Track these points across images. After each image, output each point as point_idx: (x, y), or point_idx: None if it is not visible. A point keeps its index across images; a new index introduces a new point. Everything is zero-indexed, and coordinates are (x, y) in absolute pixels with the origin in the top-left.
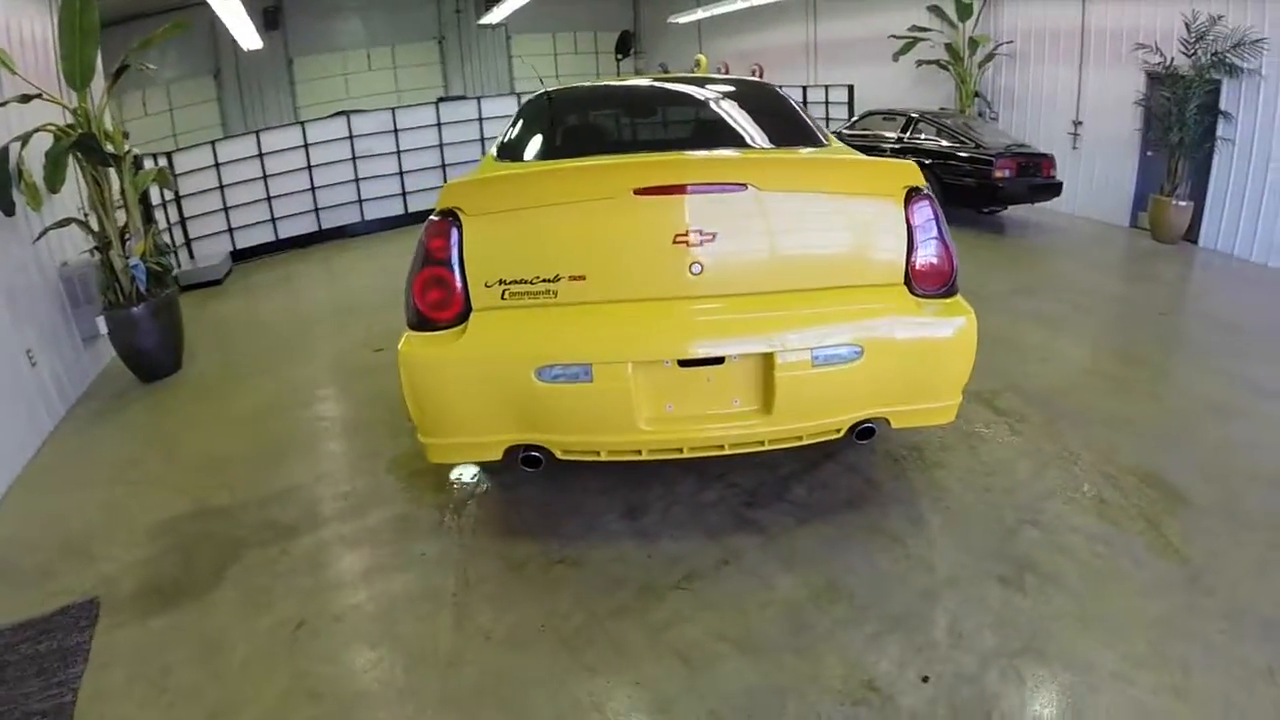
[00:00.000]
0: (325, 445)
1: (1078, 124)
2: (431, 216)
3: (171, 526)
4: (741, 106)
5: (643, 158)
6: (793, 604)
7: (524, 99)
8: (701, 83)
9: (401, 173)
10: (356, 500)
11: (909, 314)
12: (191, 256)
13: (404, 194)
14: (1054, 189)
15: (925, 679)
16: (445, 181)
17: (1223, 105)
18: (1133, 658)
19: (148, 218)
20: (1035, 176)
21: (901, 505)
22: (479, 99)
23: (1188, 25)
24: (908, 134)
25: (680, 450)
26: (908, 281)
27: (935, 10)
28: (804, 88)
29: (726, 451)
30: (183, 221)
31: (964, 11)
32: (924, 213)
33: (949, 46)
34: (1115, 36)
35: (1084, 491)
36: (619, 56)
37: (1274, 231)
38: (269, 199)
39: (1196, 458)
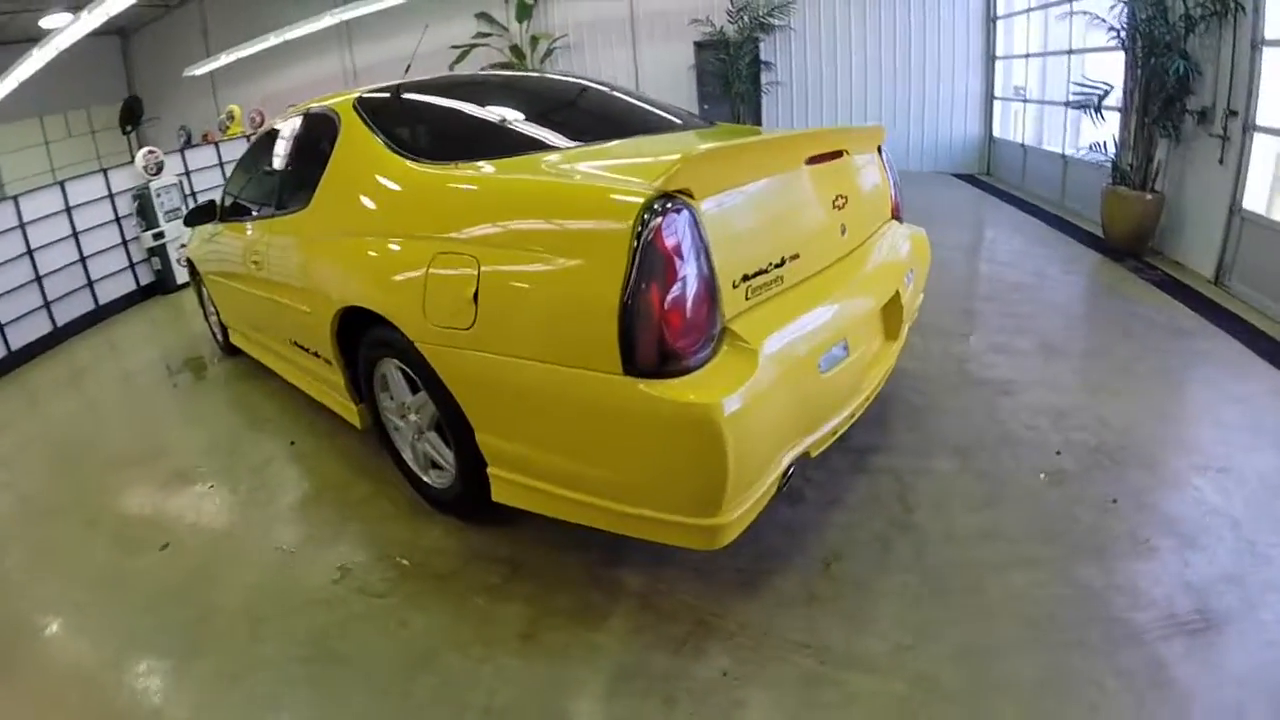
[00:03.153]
0: None
1: None
2: (651, 207)
3: None
4: (619, 97)
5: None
6: (995, 511)
7: (356, 107)
8: (547, 80)
9: None
10: None
11: (913, 234)
12: None
13: None
14: None
15: (1114, 500)
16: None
17: (764, 57)
18: (1152, 409)
19: None
20: None
21: (935, 416)
22: (15, 198)
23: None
24: None
25: (865, 398)
26: (894, 213)
27: (484, 16)
28: None
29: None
30: None
31: (523, 12)
32: (889, 160)
33: (514, 47)
34: (662, 16)
35: (987, 344)
36: (127, 129)
37: None
38: None
39: (1001, 306)
